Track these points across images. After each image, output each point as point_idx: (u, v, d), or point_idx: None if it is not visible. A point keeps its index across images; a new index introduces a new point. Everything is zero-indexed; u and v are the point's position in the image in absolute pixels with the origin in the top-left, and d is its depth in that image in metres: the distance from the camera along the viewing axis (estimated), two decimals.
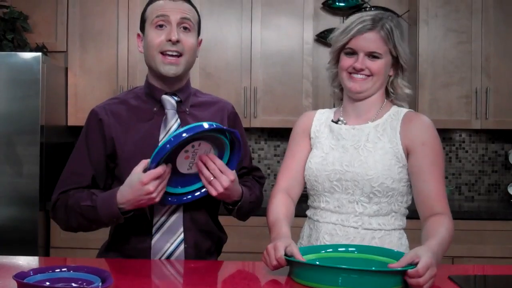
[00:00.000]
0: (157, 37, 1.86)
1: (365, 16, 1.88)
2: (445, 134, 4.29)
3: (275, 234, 1.75)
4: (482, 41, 3.89)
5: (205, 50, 3.98)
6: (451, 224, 1.75)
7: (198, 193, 1.86)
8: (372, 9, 4.06)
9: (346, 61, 1.89)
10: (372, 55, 1.86)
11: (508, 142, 4.31)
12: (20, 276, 1.38)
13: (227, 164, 1.82)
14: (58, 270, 1.48)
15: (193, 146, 1.74)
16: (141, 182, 1.69)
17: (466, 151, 4.33)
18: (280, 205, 1.89)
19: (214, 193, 1.79)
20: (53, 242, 3.75)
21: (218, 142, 1.79)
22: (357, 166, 1.84)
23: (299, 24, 3.99)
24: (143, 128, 1.92)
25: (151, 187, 1.68)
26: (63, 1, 4.04)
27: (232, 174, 1.79)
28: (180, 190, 1.84)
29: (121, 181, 1.86)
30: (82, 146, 1.95)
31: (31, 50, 3.90)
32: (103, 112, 1.94)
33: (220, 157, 1.82)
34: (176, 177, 1.79)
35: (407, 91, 1.96)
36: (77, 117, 4.02)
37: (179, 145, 1.68)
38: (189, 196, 1.86)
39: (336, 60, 1.96)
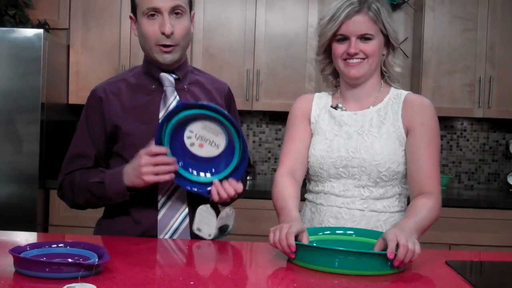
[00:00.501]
0: (150, 28, 1.85)
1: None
2: (446, 122, 4.28)
3: (285, 218, 1.73)
4: (488, 29, 3.86)
5: (208, 31, 3.96)
6: (436, 204, 1.76)
7: (196, 189, 1.85)
8: None
9: (339, 48, 1.87)
10: (364, 37, 1.84)
11: (510, 132, 4.29)
12: (17, 251, 1.38)
13: (235, 169, 1.84)
14: (55, 245, 1.49)
15: (193, 131, 1.79)
16: (138, 155, 1.74)
17: (467, 140, 4.32)
18: (287, 189, 1.86)
19: (216, 198, 1.82)
20: (52, 220, 3.76)
21: (229, 139, 1.81)
22: (364, 152, 1.84)
23: (304, 7, 3.97)
24: (142, 105, 1.93)
25: (142, 160, 1.72)
26: None
27: (240, 187, 1.83)
28: (190, 176, 1.84)
29: (121, 157, 1.90)
30: (83, 126, 1.98)
31: (33, 27, 3.88)
32: (103, 91, 1.95)
33: (229, 158, 1.83)
34: (191, 161, 1.83)
35: (397, 69, 1.94)
36: (78, 95, 4.01)
37: (180, 123, 1.73)
38: (193, 188, 1.85)
39: (327, 49, 1.94)
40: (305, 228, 1.60)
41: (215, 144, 1.81)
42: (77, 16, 4.02)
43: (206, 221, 1.87)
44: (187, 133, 1.80)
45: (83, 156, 1.95)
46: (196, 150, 1.82)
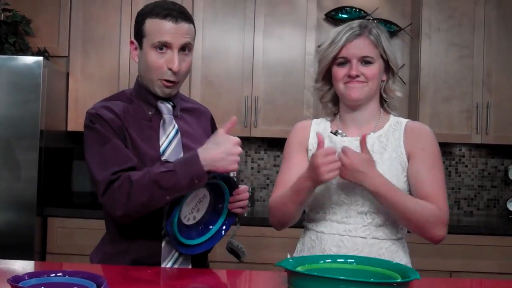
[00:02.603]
0: (157, 61, 1.84)
1: (350, 24, 1.89)
2: (445, 148, 4.28)
3: (296, 182, 1.82)
4: (484, 56, 3.89)
5: (207, 58, 3.98)
6: (435, 210, 1.79)
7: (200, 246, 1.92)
8: (375, 21, 4.07)
9: (340, 71, 1.88)
10: (365, 61, 1.86)
11: (508, 158, 4.30)
12: (15, 280, 1.37)
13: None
14: (54, 274, 1.47)
15: (186, 213, 1.85)
16: (232, 141, 1.77)
17: (466, 166, 4.32)
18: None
19: (240, 211, 1.94)
20: (49, 248, 3.73)
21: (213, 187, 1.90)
22: None
23: (302, 35, 3.99)
24: (141, 131, 1.90)
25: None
26: (66, 6, 4.04)
27: (244, 188, 1.92)
28: (188, 241, 1.87)
29: None
30: (104, 138, 1.83)
31: (32, 54, 3.89)
32: (102, 110, 1.88)
33: (220, 197, 1.92)
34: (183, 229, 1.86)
35: (398, 94, 1.96)
36: (77, 122, 4.00)
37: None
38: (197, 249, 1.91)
39: (325, 75, 1.96)
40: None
41: (203, 196, 1.88)
42: (77, 43, 4.04)
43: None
44: (185, 218, 1.84)
45: (122, 155, 1.81)
46: (199, 215, 1.89)
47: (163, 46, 1.83)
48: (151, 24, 1.84)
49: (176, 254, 1.89)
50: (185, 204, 1.79)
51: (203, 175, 1.72)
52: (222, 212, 1.92)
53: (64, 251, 3.68)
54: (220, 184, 1.86)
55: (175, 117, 1.97)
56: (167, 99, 1.94)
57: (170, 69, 1.83)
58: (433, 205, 1.79)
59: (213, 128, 2.11)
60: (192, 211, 1.85)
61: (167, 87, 1.88)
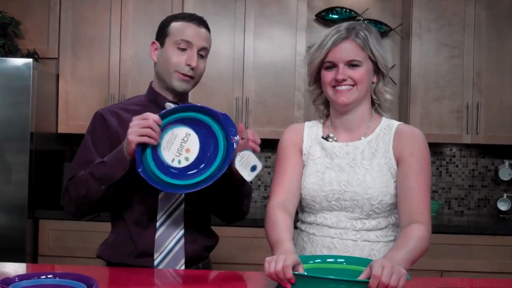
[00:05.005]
0: (177, 58, 2.01)
1: (338, 27, 1.88)
2: (435, 148, 4.30)
3: (280, 250, 1.65)
4: (474, 56, 3.91)
5: None
6: (426, 234, 1.72)
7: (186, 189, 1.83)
8: (365, 22, 4.09)
9: (328, 75, 1.87)
10: (352, 64, 1.84)
11: (498, 157, 4.32)
12: (6, 282, 1.36)
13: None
14: (44, 276, 1.47)
15: (169, 158, 1.82)
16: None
17: (456, 166, 4.34)
18: (280, 221, 1.81)
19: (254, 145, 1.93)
20: (41, 250, 3.72)
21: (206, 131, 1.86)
22: (356, 186, 1.82)
23: (292, 35, 4.00)
24: None
25: (132, 122, 1.79)
26: (55, 8, 4.03)
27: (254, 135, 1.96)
28: (177, 181, 1.81)
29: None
30: (87, 141, 2.03)
31: (22, 56, 3.88)
32: (107, 113, 2.05)
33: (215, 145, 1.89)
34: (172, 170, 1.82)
35: (388, 96, 1.94)
36: (67, 124, 3.99)
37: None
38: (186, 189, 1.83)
39: (317, 78, 1.95)
40: (300, 261, 1.57)
41: (185, 135, 1.83)
42: (67, 45, 4.03)
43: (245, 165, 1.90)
44: (173, 161, 1.81)
45: (87, 163, 1.95)
46: (192, 155, 1.83)
47: (184, 46, 2.00)
48: (176, 25, 2.04)
49: (169, 247, 1.95)
50: (163, 149, 1.80)
51: (124, 159, 1.82)
52: (218, 147, 1.88)
53: (56, 253, 3.67)
54: (199, 118, 1.85)
55: None
56: (175, 102, 2.05)
57: (188, 65, 1.99)
58: (424, 230, 1.73)
59: None
60: (179, 153, 1.82)
61: (184, 80, 2.02)
